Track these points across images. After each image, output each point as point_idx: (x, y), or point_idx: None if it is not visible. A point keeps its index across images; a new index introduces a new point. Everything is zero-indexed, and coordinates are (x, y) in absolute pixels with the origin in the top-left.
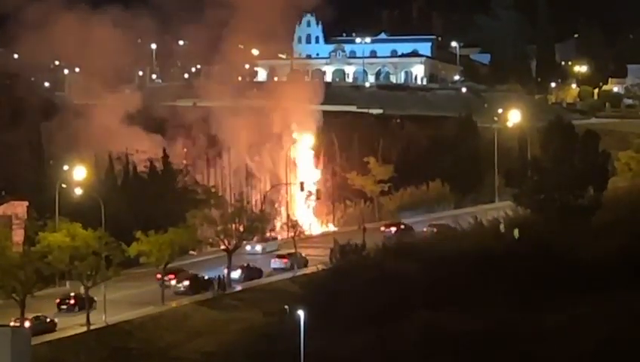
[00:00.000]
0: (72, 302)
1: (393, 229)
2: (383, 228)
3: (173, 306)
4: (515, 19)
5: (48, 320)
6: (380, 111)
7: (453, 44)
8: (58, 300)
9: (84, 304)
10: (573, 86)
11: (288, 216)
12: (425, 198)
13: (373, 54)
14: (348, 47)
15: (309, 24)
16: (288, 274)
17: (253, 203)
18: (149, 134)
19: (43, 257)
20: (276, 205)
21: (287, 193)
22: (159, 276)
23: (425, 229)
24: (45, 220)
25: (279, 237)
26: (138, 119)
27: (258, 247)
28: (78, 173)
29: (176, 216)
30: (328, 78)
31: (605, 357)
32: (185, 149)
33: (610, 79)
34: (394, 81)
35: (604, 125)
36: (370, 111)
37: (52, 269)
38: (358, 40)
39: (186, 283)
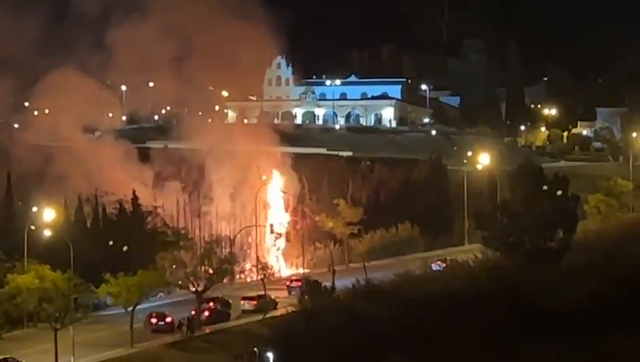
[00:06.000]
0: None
1: None
2: None
3: (143, 348)
4: (485, 62)
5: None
6: (350, 153)
7: (423, 86)
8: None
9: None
10: (543, 129)
11: (257, 258)
12: (394, 241)
13: (343, 97)
14: (318, 90)
15: (279, 66)
16: (257, 317)
17: (223, 245)
18: (118, 176)
19: (11, 299)
20: (245, 247)
21: (256, 235)
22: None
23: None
24: (14, 262)
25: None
26: (108, 160)
27: None
28: (47, 215)
29: (145, 258)
30: (298, 120)
31: None
32: (154, 191)
33: (579, 122)
34: (364, 124)
35: (573, 168)
36: (339, 154)
37: (20, 311)
38: (328, 82)
39: (169, 319)
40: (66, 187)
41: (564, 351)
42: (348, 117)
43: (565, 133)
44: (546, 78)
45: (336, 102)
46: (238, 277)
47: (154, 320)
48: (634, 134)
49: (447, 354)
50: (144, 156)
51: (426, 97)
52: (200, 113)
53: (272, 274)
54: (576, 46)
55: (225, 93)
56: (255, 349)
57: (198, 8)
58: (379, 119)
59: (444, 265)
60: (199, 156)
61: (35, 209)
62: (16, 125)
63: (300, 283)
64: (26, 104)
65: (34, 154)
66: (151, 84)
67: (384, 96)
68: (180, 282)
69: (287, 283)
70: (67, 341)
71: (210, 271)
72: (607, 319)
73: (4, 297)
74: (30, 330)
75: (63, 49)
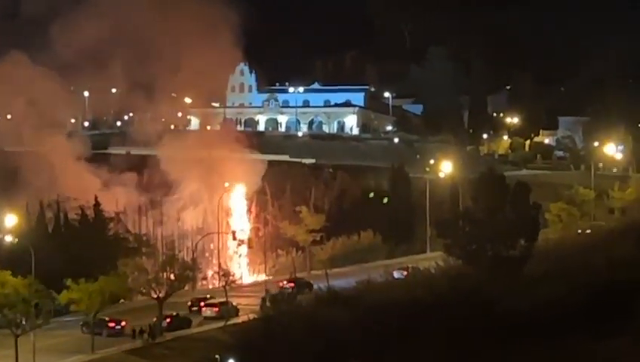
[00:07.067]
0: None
1: None
2: None
3: (103, 354)
4: (448, 70)
5: None
6: (313, 160)
7: (386, 94)
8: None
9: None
10: (505, 137)
11: (220, 264)
12: (357, 248)
13: (306, 104)
14: (281, 97)
15: (242, 73)
16: (219, 323)
17: (185, 251)
18: (80, 181)
19: None
20: (207, 254)
21: (219, 242)
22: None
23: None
24: None
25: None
26: (70, 166)
27: None
28: (9, 221)
29: (107, 264)
30: (261, 127)
31: None
32: (116, 196)
33: (541, 131)
34: (327, 131)
35: (535, 177)
36: (302, 161)
37: None
38: (291, 89)
39: (123, 323)
40: (28, 192)
41: (524, 356)
42: (311, 124)
43: (527, 142)
44: (508, 87)
45: (299, 110)
46: (200, 283)
47: (112, 324)
48: (596, 143)
49: (408, 360)
50: (106, 162)
51: (388, 105)
52: (163, 119)
53: (234, 281)
54: (538, 55)
55: (188, 100)
56: (217, 356)
57: (161, 15)
58: (342, 127)
59: (406, 272)
60: (161, 162)
61: None
62: None
63: (292, 285)
64: None
65: None
66: (114, 90)
67: (347, 104)
68: (142, 289)
69: (280, 284)
70: (28, 347)
71: (172, 277)
72: (569, 324)
73: None
74: None
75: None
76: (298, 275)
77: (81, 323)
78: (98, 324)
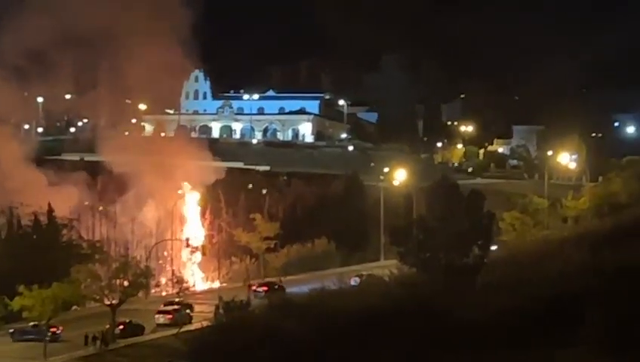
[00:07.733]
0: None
1: None
2: None
3: None
4: (402, 79)
5: None
6: (267, 168)
7: (341, 102)
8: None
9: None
10: (460, 146)
11: (173, 271)
12: (311, 256)
13: (261, 111)
14: (236, 104)
15: (197, 80)
16: (172, 331)
17: (139, 258)
18: (32, 186)
19: None
20: (161, 261)
21: (172, 249)
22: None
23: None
24: None
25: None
26: (22, 172)
27: None
28: None
29: (60, 271)
30: (215, 134)
31: None
32: (70, 204)
33: (495, 140)
34: (281, 138)
35: (489, 185)
36: (257, 168)
37: None
38: (245, 96)
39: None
40: None
41: None
42: (265, 131)
43: (481, 151)
44: (462, 96)
45: (253, 117)
46: (153, 291)
47: (53, 329)
48: (549, 152)
49: None
50: (60, 168)
51: (343, 113)
52: (117, 126)
53: (188, 288)
54: (493, 64)
55: (142, 106)
56: None
57: (115, 21)
58: (296, 134)
59: (360, 280)
60: (115, 168)
61: None
62: None
63: (265, 288)
64: None
65: None
66: (67, 97)
67: (302, 112)
68: (95, 296)
69: (254, 287)
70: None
71: (126, 284)
72: (522, 334)
73: None
74: None
75: None
76: (252, 282)
77: (11, 331)
78: (36, 331)
